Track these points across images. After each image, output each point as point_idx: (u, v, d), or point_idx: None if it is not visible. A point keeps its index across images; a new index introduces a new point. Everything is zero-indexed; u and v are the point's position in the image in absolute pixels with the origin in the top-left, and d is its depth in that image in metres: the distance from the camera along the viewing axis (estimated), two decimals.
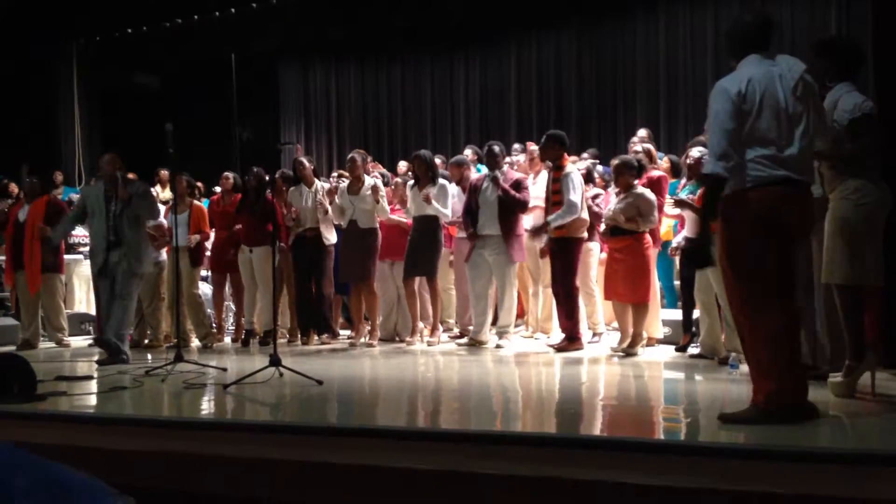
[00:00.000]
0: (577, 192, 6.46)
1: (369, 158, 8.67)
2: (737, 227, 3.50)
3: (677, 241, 6.27)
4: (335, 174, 8.55)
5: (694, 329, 6.19)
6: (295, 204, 7.38)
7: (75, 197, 10.05)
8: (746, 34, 3.62)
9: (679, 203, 5.78)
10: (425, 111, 12.80)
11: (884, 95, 4.75)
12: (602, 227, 6.51)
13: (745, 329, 3.57)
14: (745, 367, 5.00)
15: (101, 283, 6.60)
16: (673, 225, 6.90)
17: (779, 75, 3.49)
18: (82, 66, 13.05)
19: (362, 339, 7.23)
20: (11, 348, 7.45)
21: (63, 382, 5.32)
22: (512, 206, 6.77)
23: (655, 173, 6.80)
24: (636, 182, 6.25)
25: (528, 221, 7.04)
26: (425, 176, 7.14)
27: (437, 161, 8.97)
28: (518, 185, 6.85)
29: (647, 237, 6.20)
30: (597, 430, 3.90)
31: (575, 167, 6.76)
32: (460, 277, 7.43)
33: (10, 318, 8.58)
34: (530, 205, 6.92)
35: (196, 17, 12.09)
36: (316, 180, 7.47)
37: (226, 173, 8.03)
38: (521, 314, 7.84)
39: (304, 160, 7.61)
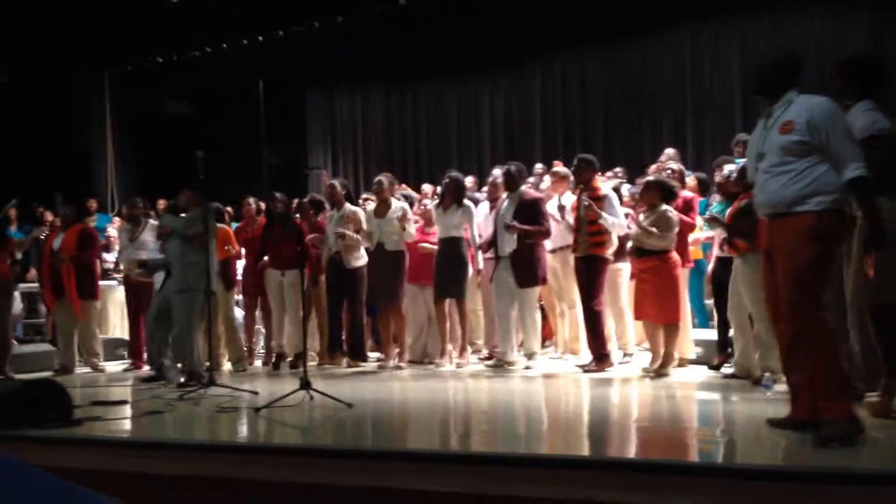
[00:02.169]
0: (621, 212, 6.55)
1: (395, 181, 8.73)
2: (833, 244, 3.65)
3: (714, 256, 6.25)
4: (363, 198, 8.62)
5: (729, 349, 6.14)
6: (329, 227, 7.47)
7: (109, 226, 10.25)
8: (782, 72, 3.80)
9: (713, 220, 5.75)
10: (450, 134, 12.89)
11: None
12: (628, 246, 6.49)
13: (818, 341, 3.55)
14: (778, 387, 4.98)
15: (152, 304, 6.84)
16: (702, 246, 6.87)
17: None
18: (114, 94, 13.33)
19: (391, 362, 7.24)
20: (48, 374, 7.56)
21: (98, 407, 5.39)
22: (535, 232, 6.76)
23: (685, 194, 6.78)
24: (662, 202, 6.22)
25: (548, 242, 7.02)
26: (453, 197, 7.16)
27: (469, 181, 9.04)
28: (533, 206, 6.82)
29: (675, 257, 6.16)
30: (629, 452, 3.87)
31: (608, 187, 6.78)
32: (487, 298, 7.43)
33: (46, 343, 8.72)
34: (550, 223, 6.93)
35: (224, 45, 12.30)
36: (346, 204, 7.53)
37: (247, 199, 8.11)
38: (549, 335, 7.82)
39: (337, 183, 7.69)
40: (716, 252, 6.25)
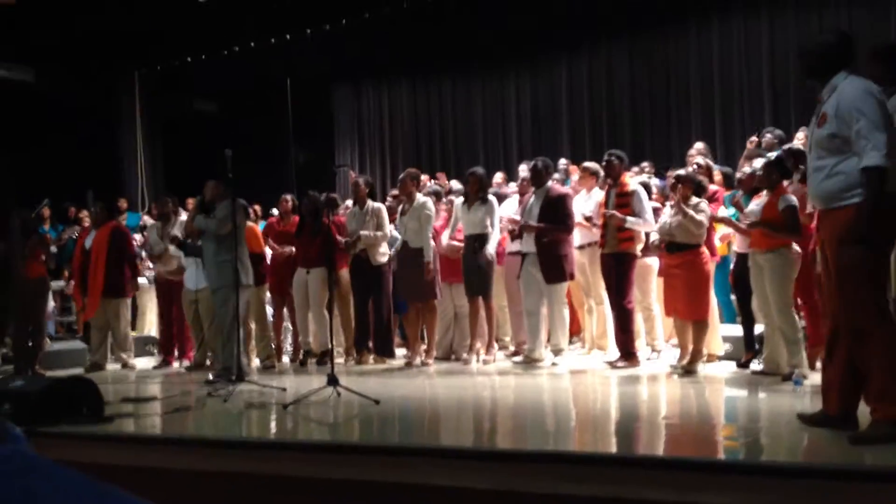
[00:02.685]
0: (649, 208, 6.53)
1: (425, 177, 8.74)
2: (879, 236, 3.45)
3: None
4: (390, 195, 8.63)
5: (757, 346, 6.08)
6: (349, 224, 7.49)
7: (143, 221, 10.38)
8: (832, 52, 3.65)
9: (720, 220, 5.68)
10: (477, 129, 12.87)
11: None
12: (653, 240, 6.42)
13: (879, 338, 3.41)
14: (809, 383, 4.92)
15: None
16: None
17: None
18: (144, 94, 13.49)
19: (418, 359, 7.26)
20: (80, 371, 7.68)
21: (129, 404, 5.47)
22: (555, 231, 6.73)
23: (711, 187, 6.71)
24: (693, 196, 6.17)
25: (576, 238, 6.99)
26: (476, 193, 7.15)
27: (498, 177, 9.01)
28: (560, 202, 6.80)
29: (705, 251, 6.10)
30: (657, 449, 3.85)
31: (636, 182, 6.74)
32: (513, 294, 7.42)
33: (78, 340, 8.85)
34: (577, 220, 6.90)
35: (252, 44, 12.39)
36: (369, 201, 7.54)
37: (285, 195, 8.22)
38: (577, 331, 7.79)
39: (361, 181, 7.71)
40: (735, 248, 6.18)
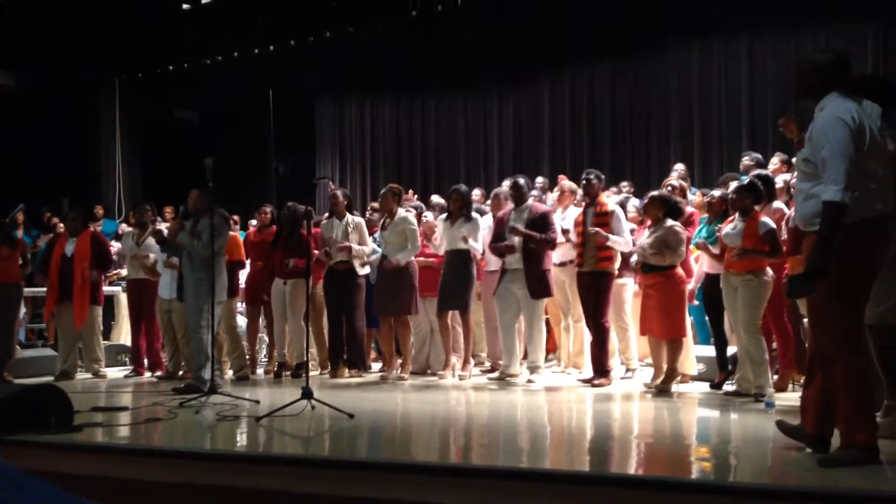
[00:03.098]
0: (627, 227, 6.61)
1: (410, 193, 8.73)
2: (851, 263, 3.41)
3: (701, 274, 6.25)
4: (370, 208, 8.61)
5: (730, 366, 6.12)
6: (326, 236, 7.47)
7: (120, 229, 10.30)
8: (825, 72, 3.58)
9: (699, 247, 5.73)
10: (459, 146, 12.91)
11: None
12: (633, 261, 6.50)
13: (844, 367, 3.42)
14: (780, 405, 4.96)
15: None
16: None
17: (868, 114, 3.49)
18: (124, 101, 13.39)
19: (394, 373, 7.23)
20: (49, 379, 7.56)
21: (99, 413, 5.39)
22: (538, 244, 6.75)
23: (688, 209, 6.78)
24: (666, 217, 6.23)
25: (555, 256, 7.02)
26: (459, 211, 7.17)
27: (476, 194, 9.03)
28: (544, 220, 6.83)
29: (680, 272, 6.15)
30: (629, 468, 3.85)
31: (613, 202, 6.79)
32: (489, 311, 7.44)
33: (48, 348, 8.73)
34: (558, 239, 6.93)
35: (236, 53, 12.36)
36: (349, 214, 7.54)
37: (265, 206, 8.19)
38: (553, 349, 7.80)
39: (339, 193, 7.71)
40: (705, 269, 6.24)
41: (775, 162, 7.36)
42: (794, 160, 6.65)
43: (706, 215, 6.88)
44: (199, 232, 6.52)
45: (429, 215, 7.87)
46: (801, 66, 3.79)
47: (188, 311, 6.59)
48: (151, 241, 7.98)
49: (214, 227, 6.25)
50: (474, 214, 7.24)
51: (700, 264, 6.42)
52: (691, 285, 6.37)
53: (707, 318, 6.50)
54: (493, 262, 7.18)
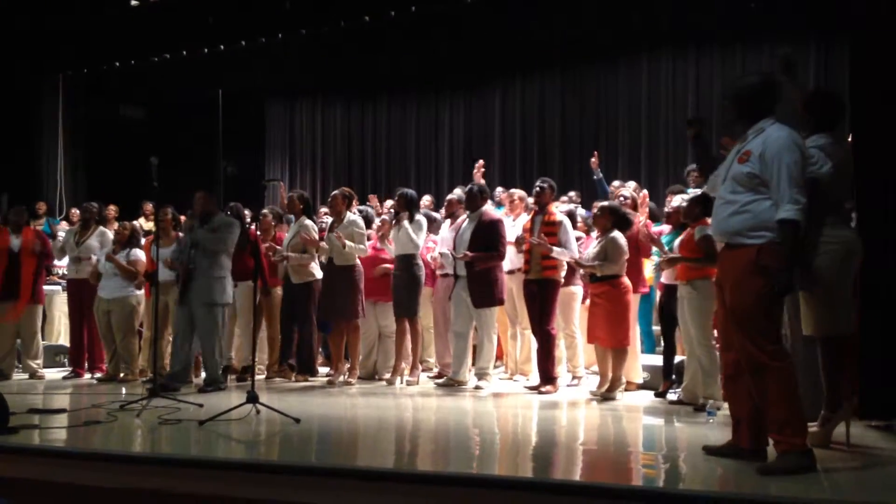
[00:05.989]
0: (573, 238, 6.66)
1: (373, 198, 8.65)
2: (777, 278, 3.52)
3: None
4: (321, 211, 8.54)
5: (674, 376, 6.23)
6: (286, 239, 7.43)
7: (54, 228, 10.03)
8: (761, 96, 3.76)
9: (673, 261, 5.79)
10: (409, 151, 12.93)
11: (860, 146, 4.82)
12: (581, 271, 6.58)
13: (776, 373, 3.53)
14: (721, 413, 5.06)
15: (179, 313, 6.83)
16: (655, 274, 6.96)
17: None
18: (68, 97, 13.05)
19: (341, 378, 7.19)
20: None
21: (36, 415, 5.25)
22: (487, 259, 6.78)
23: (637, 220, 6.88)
24: (614, 228, 6.30)
25: (504, 264, 7.04)
26: (404, 213, 7.18)
27: (427, 199, 9.04)
28: (491, 228, 6.84)
29: (626, 282, 6.24)
30: (574, 474, 3.89)
31: (561, 212, 6.85)
32: (437, 317, 7.45)
33: None
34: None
35: (185, 52, 12.17)
36: (303, 217, 7.49)
37: None
38: (500, 356, 7.84)
39: (295, 196, 7.67)
40: (663, 279, 6.35)
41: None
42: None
43: (652, 226, 7.01)
44: (217, 228, 6.73)
45: (385, 218, 7.80)
46: (736, 90, 3.89)
47: (197, 313, 6.62)
48: (93, 241, 7.82)
49: (226, 225, 6.69)
50: (419, 216, 7.22)
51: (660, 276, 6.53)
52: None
53: (660, 326, 6.59)
54: (447, 266, 7.18)
